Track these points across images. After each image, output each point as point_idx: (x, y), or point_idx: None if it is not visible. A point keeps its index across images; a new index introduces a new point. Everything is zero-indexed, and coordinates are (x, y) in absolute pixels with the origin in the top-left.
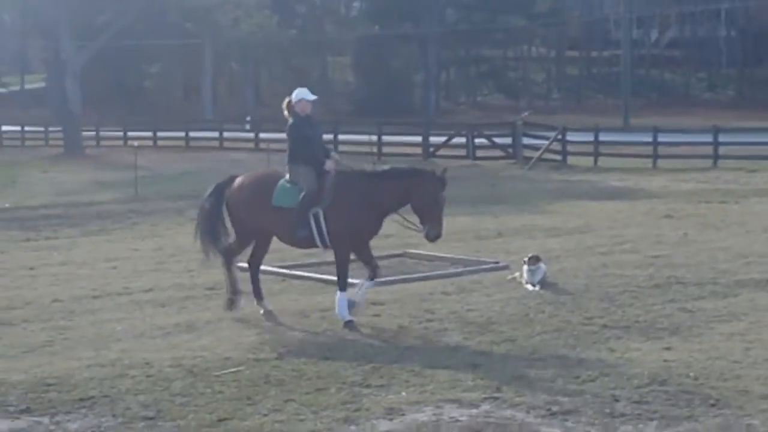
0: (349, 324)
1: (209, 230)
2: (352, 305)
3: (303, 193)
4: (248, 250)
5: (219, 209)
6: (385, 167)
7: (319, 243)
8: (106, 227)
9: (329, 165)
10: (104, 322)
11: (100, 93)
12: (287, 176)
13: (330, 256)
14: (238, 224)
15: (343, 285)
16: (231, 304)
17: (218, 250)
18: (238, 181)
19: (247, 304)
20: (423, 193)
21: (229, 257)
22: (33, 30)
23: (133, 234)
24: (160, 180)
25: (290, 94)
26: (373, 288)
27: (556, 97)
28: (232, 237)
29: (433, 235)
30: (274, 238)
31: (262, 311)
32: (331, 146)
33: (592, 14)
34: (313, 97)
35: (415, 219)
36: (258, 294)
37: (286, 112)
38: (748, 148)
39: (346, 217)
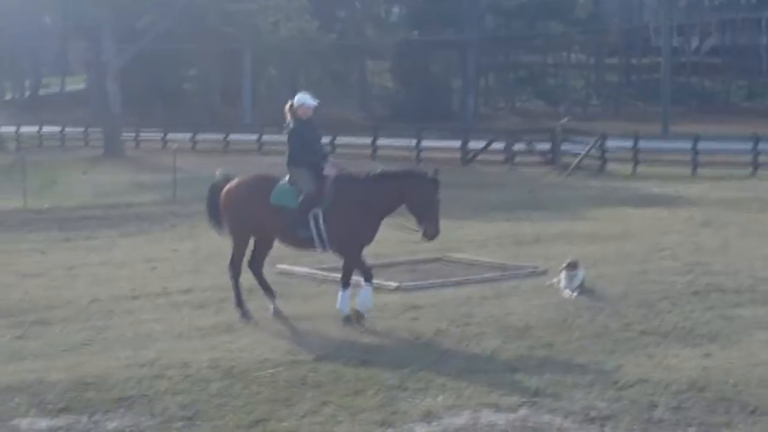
0: (347, 320)
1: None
2: (361, 315)
3: (302, 196)
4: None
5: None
6: (380, 169)
7: (318, 245)
8: (144, 228)
9: (329, 170)
10: (143, 323)
11: (140, 95)
12: (287, 178)
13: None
14: (236, 223)
15: (346, 283)
16: (243, 315)
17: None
18: (235, 181)
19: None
20: (417, 194)
21: (234, 269)
22: (74, 32)
23: (172, 235)
24: (199, 182)
25: (329, 97)
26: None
27: (595, 104)
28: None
29: (431, 234)
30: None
31: (271, 308)
32: (329, 150)
33: (631, 21)
34: (314, 103)
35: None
36: (268, 293)
37: (288, 116)
38: None
39: (345, 220)
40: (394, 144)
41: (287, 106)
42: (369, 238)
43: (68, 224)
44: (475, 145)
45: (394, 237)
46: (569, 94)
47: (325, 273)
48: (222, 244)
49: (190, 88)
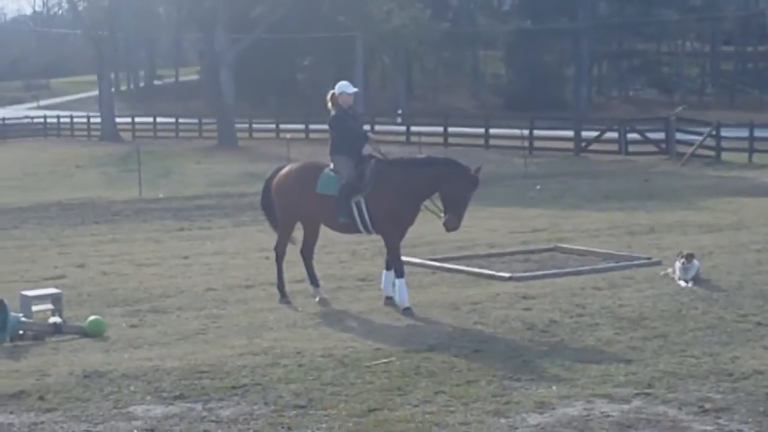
0: (407, 311)
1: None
2: (407, 311)
3: (342, 182)
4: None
5: (270, 201)
6: (422, 156)
7: (361, 228)
8: (258, 218)
9: (366, 149)
10: (256, 312)
11: (253, 85)
12: (331, 165)
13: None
14: (284, 210)
15: (400, 272)
16: (281, 296)
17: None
18: (284, 170)
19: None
20: (453, 184)
21: (278, 254)
22: (188, 23)
23: None
24: None
25: (441, 86)
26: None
27: (710, 93)
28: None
29: (450, 226)
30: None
31: (317, 298)
32: (369, 131)
33: (747, 8)
34: (353, 90)
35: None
36: (314, 281)
37: (329, 105)
38: None
39: (386, 204)
40: (506, 133)
41: (329, 96)
42: (408, 223)
43: (182, 214)
44: (588, 134)
45: (506, 227)
46: (684, 82)
47: (439, 263)
48: (334, 234)
49: (303, 77)
